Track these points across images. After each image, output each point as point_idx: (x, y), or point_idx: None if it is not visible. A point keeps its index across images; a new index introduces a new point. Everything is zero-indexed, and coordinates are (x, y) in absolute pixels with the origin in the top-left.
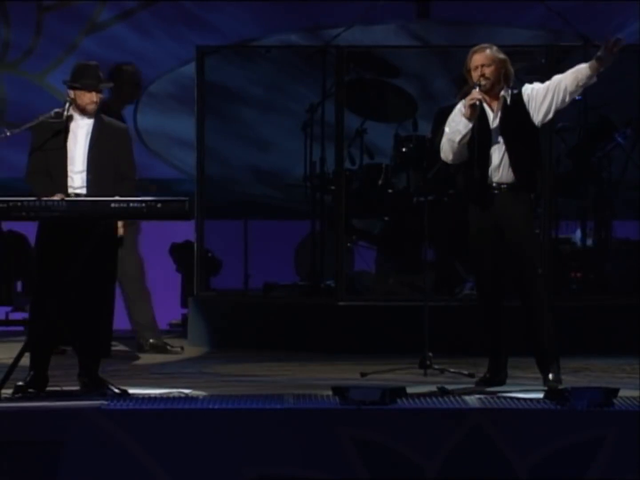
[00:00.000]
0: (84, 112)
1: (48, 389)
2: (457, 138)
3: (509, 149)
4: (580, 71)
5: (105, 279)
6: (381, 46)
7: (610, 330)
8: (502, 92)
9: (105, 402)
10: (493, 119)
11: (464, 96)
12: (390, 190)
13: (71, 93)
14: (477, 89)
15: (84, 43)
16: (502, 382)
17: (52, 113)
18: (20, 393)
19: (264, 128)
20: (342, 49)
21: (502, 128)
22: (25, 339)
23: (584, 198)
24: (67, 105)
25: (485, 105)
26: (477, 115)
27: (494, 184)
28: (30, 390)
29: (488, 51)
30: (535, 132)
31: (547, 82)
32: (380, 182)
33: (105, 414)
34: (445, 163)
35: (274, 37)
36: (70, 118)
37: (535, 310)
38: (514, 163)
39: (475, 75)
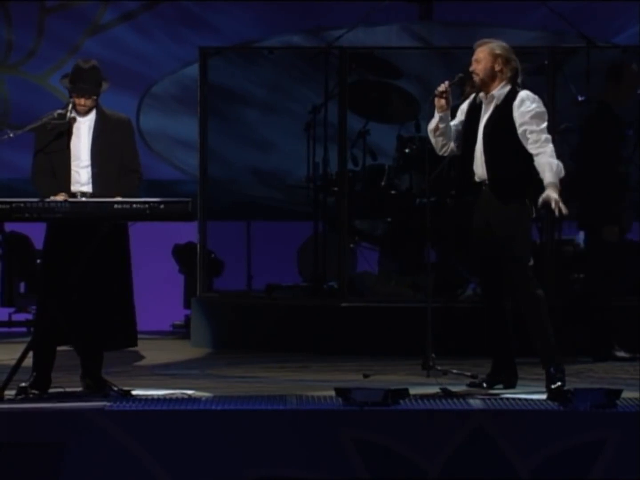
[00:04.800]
0: (78, 112)
1: (51, 390)
2: (430, 127)
3: (486, 148)
4: (543, 170)
5: (118, 276)
6: (384, 47)
7: (612, 331)
8: (495, 91)
9: (108, 403)
10: (482, 116)
11: (467, 97)
12: (393, 192)
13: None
14: (446, 83)
15: (87, 44)
16: (509, 385)
17: (55, 114)
18: (23, 394)
19: (267, 129)
20: (344, 50)
21: (485, 124)
22: (30, 339)
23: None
24: (70, 106)
25: (484, 102)
26: (445, 107)
27: (479, 181)
28: (33, 391)
29: (483, 47)
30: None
31: (526, 122)
32: (382, 183)
33: (108, 415)
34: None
35: (276, 38)
36: (73, 119)
37: (526, 313)
38: (489, 163)
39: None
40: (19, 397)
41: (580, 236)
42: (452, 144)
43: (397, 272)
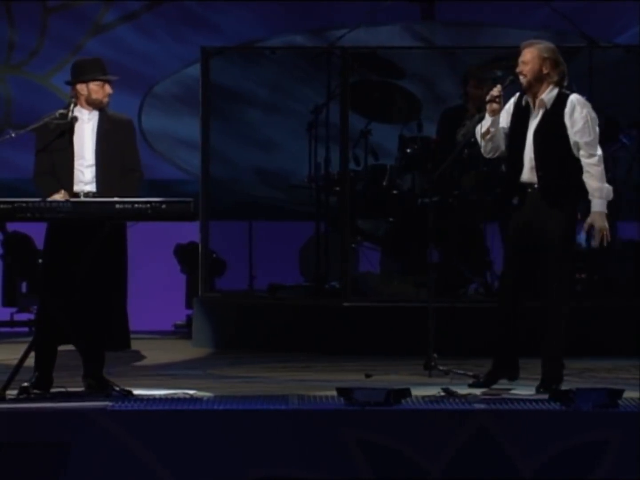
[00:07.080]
0: (97, 105)
1: (53, 390)
2: (481, 131)
3: (537, 154)
4: (592, 195)
5: (113, 277)
6: (386, 47)
7: (614, 331)
8: (543, 95)
9: (110, 403)
10: (532, 119)
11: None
12: (395, 192)
13: (83, 89)
14: (499, 86)
15: (89, 44)
16: (511, 378)
17: (57, 114)
18: (25, 394)
19: (269, 129)
20: (346, 50)
21: (535, 130)
22: (31, 339)
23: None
24: (72, 105)
25: (531, 104)
26: (498, 111)
27: (526, 184)
28: (35, 391)
29: (531, 48)
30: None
31: (578, 131)
32: (384, 183)
33: (110, 415)
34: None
35: (279, 38)
36: (75, 118)
37: (550, 316)
38: (540, 169)
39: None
40: (21, 396)
41: (582, 235)
42: (502, 147)
43: (399, 272)
